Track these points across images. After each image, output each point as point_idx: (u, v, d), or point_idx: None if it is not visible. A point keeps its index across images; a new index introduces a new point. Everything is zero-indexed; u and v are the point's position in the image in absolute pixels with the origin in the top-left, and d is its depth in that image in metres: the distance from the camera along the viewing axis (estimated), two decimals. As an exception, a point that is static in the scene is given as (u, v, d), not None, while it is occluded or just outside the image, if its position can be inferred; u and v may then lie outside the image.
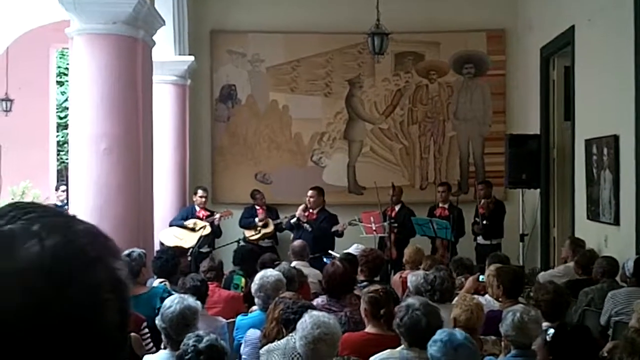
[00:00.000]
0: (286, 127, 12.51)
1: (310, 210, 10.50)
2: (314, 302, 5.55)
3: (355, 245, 8.10)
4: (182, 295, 4.85)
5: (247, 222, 11.17)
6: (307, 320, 4.05)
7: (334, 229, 10.46)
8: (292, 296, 5.05)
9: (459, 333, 3.95)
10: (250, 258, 7.85)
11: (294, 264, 7.61)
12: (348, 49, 12.40)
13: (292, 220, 10.51)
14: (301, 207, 10.54)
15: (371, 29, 10.54)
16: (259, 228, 11.02)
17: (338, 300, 5.79)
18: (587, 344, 3.68)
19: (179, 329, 4.43)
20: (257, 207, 11.26)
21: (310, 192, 10.59)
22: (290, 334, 4.43)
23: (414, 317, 4.02)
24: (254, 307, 5.88)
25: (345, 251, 8.06)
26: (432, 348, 3.82)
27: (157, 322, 4.68)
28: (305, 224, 10.38)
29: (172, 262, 6.88)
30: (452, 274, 7.54)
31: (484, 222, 10.64)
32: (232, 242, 10.30)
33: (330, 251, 9.57)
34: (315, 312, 4.24)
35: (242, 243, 10.09)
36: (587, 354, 3.66)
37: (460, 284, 6.84)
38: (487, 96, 12.45)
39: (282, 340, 4.47)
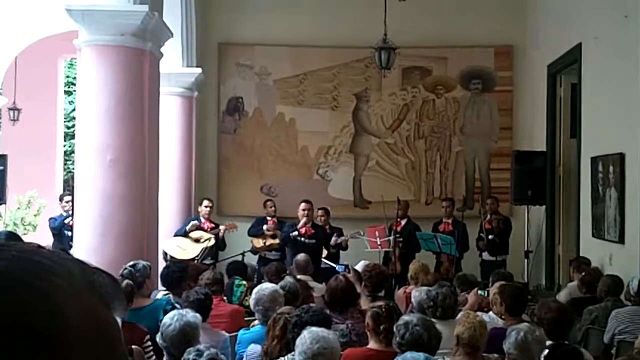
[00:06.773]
0: (292, 140, 12.52)
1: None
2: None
3: (362, 262, 8.08)
4: (180, 311, 4.83)
5: (255, 230, 11.13)
6: (306, 336, 4.05)
7: (337, 241, 10.44)
8: (291, 311, 5.02)
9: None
10: (242, 269, 8.12)
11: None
12: (355, 63, 12.41)
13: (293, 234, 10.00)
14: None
15: (378, 43, 10.55)
16: (266, 238, 10.96)
17: (341, 313, 5.78)
18: None
19: (181, 346, 4.41)
20: (269, 218, 11.23)
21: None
22: (287, 355, 4.42)
23: (415, 333, 4.02)
24: (255, 322, 5.87)
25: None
26: None
27: (158, 340, 4.66)
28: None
29: (177, 274, 6.87)
30: (457, 290, 7.55)
31: (489, 237, 10.62)
32: (236, 255, 10.26)
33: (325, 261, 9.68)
34: (314, 328, 4.23)
35: (246, 255, 10.08)
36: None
37: (464, 300, 6.82)
38: (494, 112, 12.44)
39: (279, 360, 4.46)
